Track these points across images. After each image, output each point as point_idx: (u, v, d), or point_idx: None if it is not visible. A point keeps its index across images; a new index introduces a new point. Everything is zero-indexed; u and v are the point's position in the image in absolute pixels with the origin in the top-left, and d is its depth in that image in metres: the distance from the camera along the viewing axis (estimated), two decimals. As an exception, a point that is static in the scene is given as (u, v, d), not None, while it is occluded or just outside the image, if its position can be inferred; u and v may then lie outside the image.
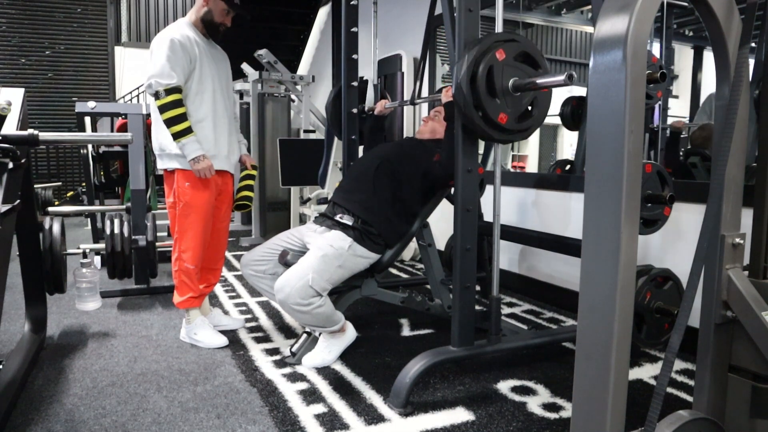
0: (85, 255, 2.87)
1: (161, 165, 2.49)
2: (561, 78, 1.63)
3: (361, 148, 3.03)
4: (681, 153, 3.06)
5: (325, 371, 2.19)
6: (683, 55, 3.42)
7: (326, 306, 2.15)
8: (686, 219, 2.38)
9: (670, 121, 3.12)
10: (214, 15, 2.46)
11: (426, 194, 2.44)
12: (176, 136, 2.32)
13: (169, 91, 2.29)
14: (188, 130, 2.33)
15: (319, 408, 1.87)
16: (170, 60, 2.30)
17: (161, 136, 2.43)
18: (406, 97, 4.49)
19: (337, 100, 3.05)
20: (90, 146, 4.33)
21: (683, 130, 3.12)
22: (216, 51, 2.55)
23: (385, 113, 2.84)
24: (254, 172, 2.70)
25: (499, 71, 1.79)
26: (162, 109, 2.30)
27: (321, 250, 2.18)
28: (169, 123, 2.31)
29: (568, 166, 3.74)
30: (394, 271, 4.02)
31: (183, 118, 2.32)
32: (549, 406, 1.90)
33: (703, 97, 3.30)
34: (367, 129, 2.89)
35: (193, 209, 2.44)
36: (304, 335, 2.32)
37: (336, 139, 4.55)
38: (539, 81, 1.75)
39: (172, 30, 2.39)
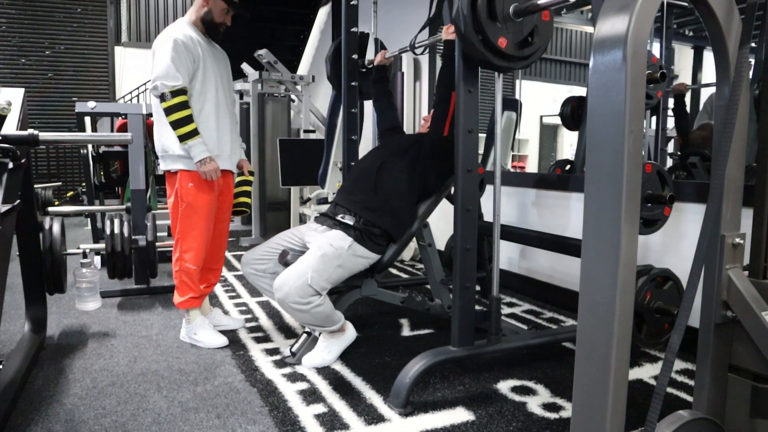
0: (85, 255, 2.87)
1: (164, 166, 2.48)
2: None
3: (361, 148, 3.03)
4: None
5: (325, 371, 2.19)
6: (683, 55, 3.42)
7: (325, 305, 2.15)
8: (686, 219, 2.38)
9: (671, 121, 3.12)
10: (214, 15, 2.46)
11: (424, 170, 2.41)
12: (183, 138, 2.32)
13: (175, 93, 2.29)
14: (195, 132, 2.33)
15: (319, 408, 1.87)
16: (174, 61, 2.29)
17: (163, 138, 2.43)
18: (407, 97, 4.49)
19: (337, 52, 3.00)
20: (90, 146, 4.33)
21: (686, 92, 3.14)
22: (217, 50, 2.55)
23: (385, 63, 2.83)
24: (251, 178, 2.71)
25: None
26: (168, 111, 2.30)
27: (321, 249, 2.18)
28: (176, 125, 2.31)
29: (568, 166, 3.74)
30: (394, 271, 4.02)
31: (189, 120, 2.32)
32: (549, 406, 1.90)
33: (703, 98, 3.30)
34: (371, 82, 2.87)
35: (196, 210, 2.44)
36: (304, 335, 2.32)
37: (336, 139, 4.55)
38: (540, 1, 1.75)
39: (173, 30, 2.38)
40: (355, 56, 2.92)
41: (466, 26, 1.78)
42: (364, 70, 2.94)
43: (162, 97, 2.30)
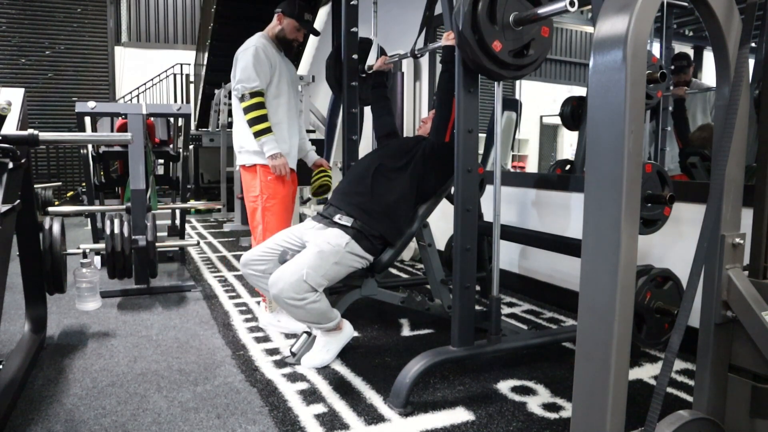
0: (85, 255, 2.86)
1: (241, 161, 2.73)
2: (562, 4, 1.62)
3: (361, 148, 3.02)
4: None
5: (325, 371, 2.19)
6: (683, 55, 3.41)
7: (321, 302, 2.15)
8: (686, 219, 2.38)
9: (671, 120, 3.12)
10: (287, 32, 2.75)
11: (423, 174, 2.40)
12: (257, 134, 2.58)
13: (253, 94, 2.57)
14: (268, 130, 2.60)
15: (319, 408, 1.87)
16: (255, 66, 2.58)
17: (240, 135, 2.70)
18: (407, 99, 4.49)
19: (336, 56, 3.00)
20: (90, 146, 4.33)
21: (686, 97, 3.14)
22: (288, 64, 2.82)
23: (385, 69, 2.86)
24: (329, 172, 2.97)
25: (503, 1, 1.79)
26: (247, 110, 2.58)
27: (318, 246, 2.19)
28: (252, 122, 2.58)
29: (568, 166, 3.74)
30: (394, 271, 4.02)
31: (264, 118, 2.59)
32: (549, 406, 1.90)
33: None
34: (370, 87, 2.90)
35: (278, 200, 2.69)
36: (304, 335, 2.32)
37: (336, 139, 4.55)
38: (540, 11, 1.75)
39: (254, 41, 2.67)
40: (355, 56, 2.92)
41: (464, 23, 1.77)
42: (363, 75, 2.95)
43: (242, 98, 2.59)
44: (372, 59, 2.96)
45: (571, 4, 1.59)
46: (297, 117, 2.82)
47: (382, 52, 3.03)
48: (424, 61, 4.46)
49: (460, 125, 1.93)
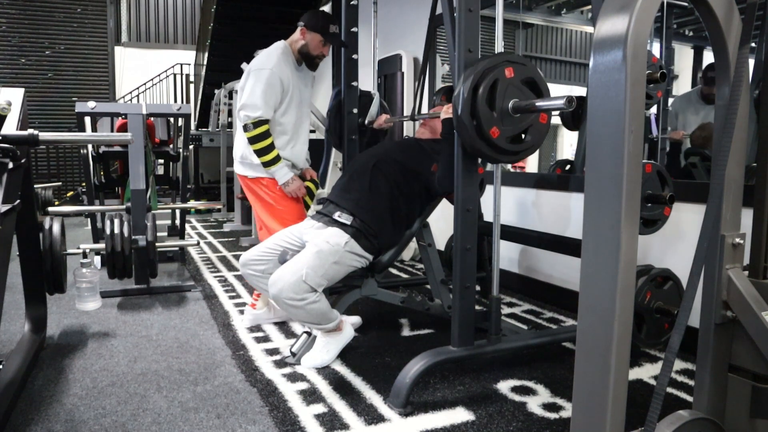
0: (85, 255, 2.87)
1: (242, 171, 2.64)
2: (560, 102, 1.65)
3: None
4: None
5: (325, 371, 2.19)
6: (683, 55, 3.41)
7: (321, 302, 2.15)
8: (686, 219, 2.38)
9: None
10: (310, 48, 2.58)
11: (422, 199, 2.43)
12: (266, 165, 2.51)
13: (257, 124, 2.45)
14: (277, 158, 2.51)
15: (319, 408, 1.87)
16: (264, 93, 2.44)
17: (242, 145, 2.60)
18: (407, 101, 4.49)
19: (338, 109, 3.00)
20: (90, 146, 4.33)
21: (683, 141, 3.10)
22: (304, 76, 2.69)
23: (384, 127, 2.87)
24: (312, 186, 2.79)
25: (503, 88, 1.79)
26: (252, 141, 2.48)
27: (317, 246, 2.19)
28: (260, 153, 2.49)
29: (568, 166, 3.73)
30: (394, 271, 4.02)
31: (271, 147, 2.49)
32: (549, 406, 1.90)
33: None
34: (365, 143, 2.92)
35: (291, 210, 2.62)
36: (304, 335, 2.32)
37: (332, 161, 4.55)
38: (538, 103, 1.77)
39: (273, 60, 2.50)
40: (355, 56, 2.92)
41: (463, 109, 1.78)
42: (363, 129, 2.95)
43: (245, 128, 2.48)
44: (373, 114, 2.94)
45: (569, 102, 1.61)
46: (303, 130, 2.71)
47: (384, 110, 3.03)
48: (425, 96, 4.45)
49: (458, 204, 1.94)
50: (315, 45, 2.57)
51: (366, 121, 2.94)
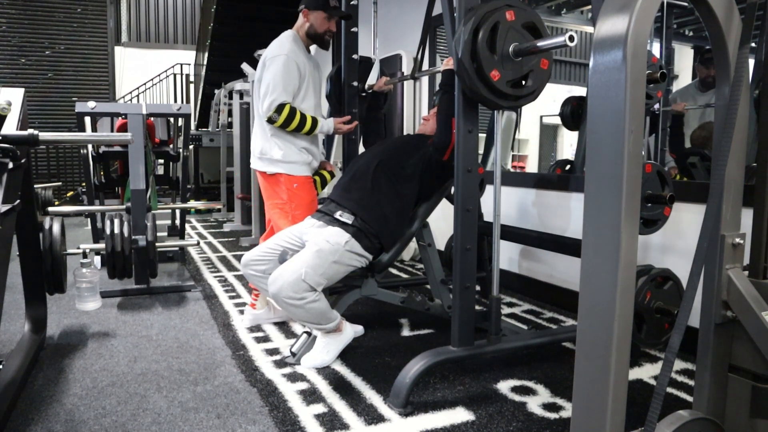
0: (85, 255, 2.86)
1: (260, 167, 2.63)
2: (561, 39, 1.62)
3: (360, 147, 3.02)
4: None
5: (325, 371, 2.19)
6: (683, 55, 3.41)
7: (320, 302, 2.15)
8: (686, 219, 2.38)
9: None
10: (316, 27, 2.59)
11: (425, 184, 2.42)
12: (310, 131, 2.56)
13: (280, 109, 2.46)
14: (314, 121, 2.55)
15: (319, 408, 1.87)
16: (283, 78, 2.45)
17: (261, 140, 2.62)
18: (406, 100, 4.49)
19: (338, 74, 2.99)
20: (90, 146, 4.33)
21: (685, 113, 3.10)
22: (315, 62, 2.70)
23: (384, 90, 2.84)
24: (328, 176, 2.81)
25: (504, 31, 1.78)
26: (284, 125, 2.49)
27: (316, 245, 2.18)
28: (299, 128, 2.52)
29: (568, 166, 3.73)
30: (394, 271, 4.02)
31: (304, 120, 2.52)
32: (549, 406, 1.90)
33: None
34: (365, 108, 2.89)
35: (304, 207, 2.60)
36: (304, 335, 2.32)
37: (336, 139, 4.55)
38: (540, 43, 1.75)
39: (286, 47, 2.52)
40: (355, 56, 2.92)
41: (464, 51, 1.77)
42: (363, 94, 2.95)
43: (270, 120, 2.49)
44: (372, 79, 2.94)
45: (570, 39, 1.59)
46: (321, 117, 2.70)
47: (382, 72, 3.03)
48: (425, 61, 4.45)
49: (459, 161, 1.93)
50: (320, 22, 2.58)
51: (366, 86, 2.94)
